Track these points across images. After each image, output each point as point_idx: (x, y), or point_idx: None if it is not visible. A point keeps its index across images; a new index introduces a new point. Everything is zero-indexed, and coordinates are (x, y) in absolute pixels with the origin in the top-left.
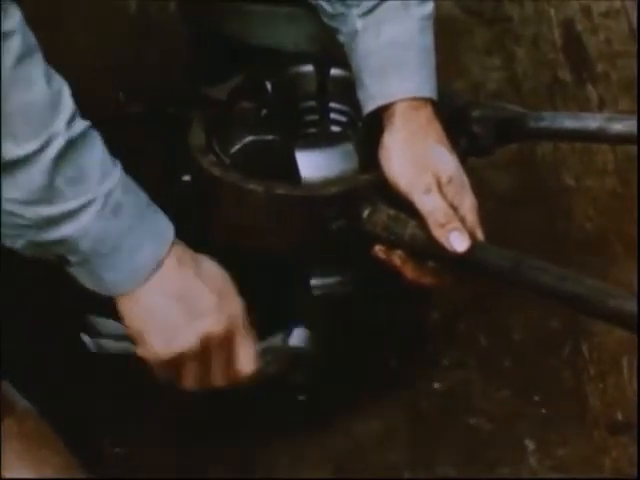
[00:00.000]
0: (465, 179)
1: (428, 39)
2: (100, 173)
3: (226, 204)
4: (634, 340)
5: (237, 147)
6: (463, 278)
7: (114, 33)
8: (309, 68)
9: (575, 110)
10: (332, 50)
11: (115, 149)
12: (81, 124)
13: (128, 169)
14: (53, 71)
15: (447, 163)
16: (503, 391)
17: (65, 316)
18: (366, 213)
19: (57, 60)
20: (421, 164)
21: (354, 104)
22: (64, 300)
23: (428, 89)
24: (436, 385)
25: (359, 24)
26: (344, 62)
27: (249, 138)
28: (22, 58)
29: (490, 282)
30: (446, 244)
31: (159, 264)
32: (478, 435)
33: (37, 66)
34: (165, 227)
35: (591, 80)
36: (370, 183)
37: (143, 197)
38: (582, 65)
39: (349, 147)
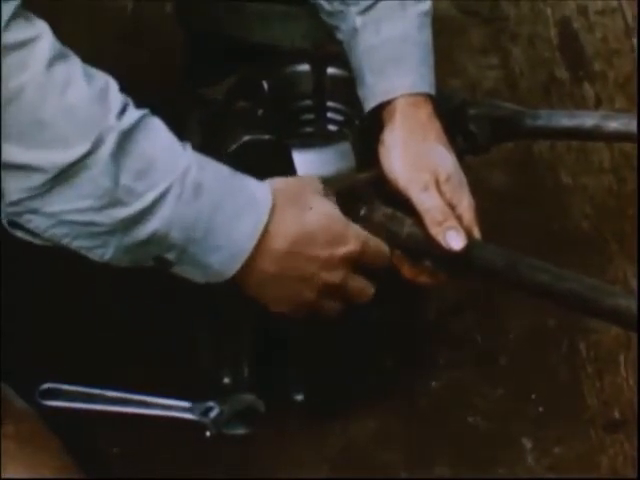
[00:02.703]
0: (463, 178)
1: (427, 36)
2: (168, 158)
3: None
4: (631, 338)
5: (234, 147)
6: (459, 277)
7: (110, 34)
8: (305, 67)
9: (571, 108)
10: (328, 47)
11: None
12: (134, 114)
13: None
14: (95, 70)
15: (446, 161)
16: (499, 390)
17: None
18: (363, 212)
19: None
20: (420, 162)
21: (350, 103)
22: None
23: (427, 84)
24: (432, 384)
25: (358, 22)
26: (341, 59)
27: (246, 137)
28: (53, 62)
29: (486, 280)
30: (443, 242)
31: (263, 231)
32: (475, 434)
33: (73, 68)
34: (258, 192)
35: (587, 78)
36: (367, 182)
37: (223, 169)
38: (578, 63)
39: (346, 146)
